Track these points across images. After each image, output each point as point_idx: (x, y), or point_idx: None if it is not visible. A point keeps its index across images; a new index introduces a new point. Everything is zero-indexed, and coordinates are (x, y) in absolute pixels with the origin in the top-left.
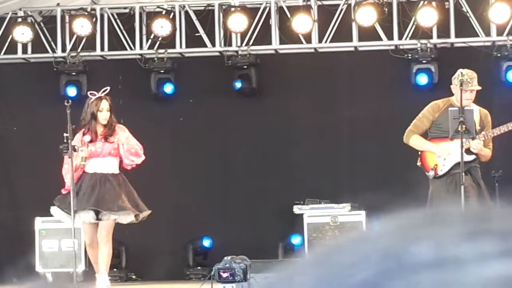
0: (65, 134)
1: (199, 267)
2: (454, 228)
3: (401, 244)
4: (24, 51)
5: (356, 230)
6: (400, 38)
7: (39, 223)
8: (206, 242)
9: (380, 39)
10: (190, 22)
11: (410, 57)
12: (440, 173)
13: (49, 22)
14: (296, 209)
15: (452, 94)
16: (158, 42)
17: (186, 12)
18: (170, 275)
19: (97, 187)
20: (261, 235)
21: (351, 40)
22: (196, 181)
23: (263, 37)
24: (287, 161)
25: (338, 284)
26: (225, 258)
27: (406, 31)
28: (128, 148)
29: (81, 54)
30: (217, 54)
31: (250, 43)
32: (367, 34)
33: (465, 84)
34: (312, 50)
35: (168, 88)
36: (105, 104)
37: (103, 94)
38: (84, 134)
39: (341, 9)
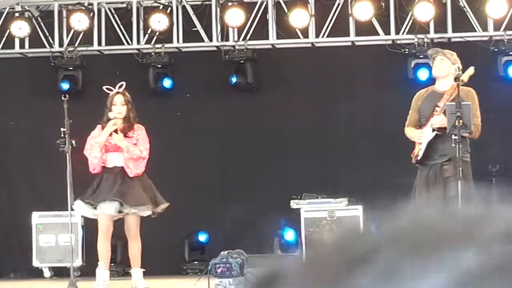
0: (62, 129)
1: (195, 262)
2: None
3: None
4: (22, 46)
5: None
6: (397, 32)
7: (36, 217)
8: (203, 237)
9: (377, 34)
10: (187, 17)
11: (407, 52)
12: (418, 158)
13: (46, 17)
14: (293, 204)
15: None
16: (155, 37)
17: (183, 7)
18: (167, 270)
19: (118, 180)
20: (258, 229)
21: (348, 35)
22: (193, 176)
23: (260, 31)
24: (284, 155)
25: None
26: (222, 252)
27: (403, 25)
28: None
29: (79, 49)
30: (214, 48)
31: (247, 37)
32: (364, 28)
33: (430, 55)
34: (309, 45)
35: (166, 83)
36: (118, 99)
37: (120, 90)
38: (102, 128)
39: (338, 4)
